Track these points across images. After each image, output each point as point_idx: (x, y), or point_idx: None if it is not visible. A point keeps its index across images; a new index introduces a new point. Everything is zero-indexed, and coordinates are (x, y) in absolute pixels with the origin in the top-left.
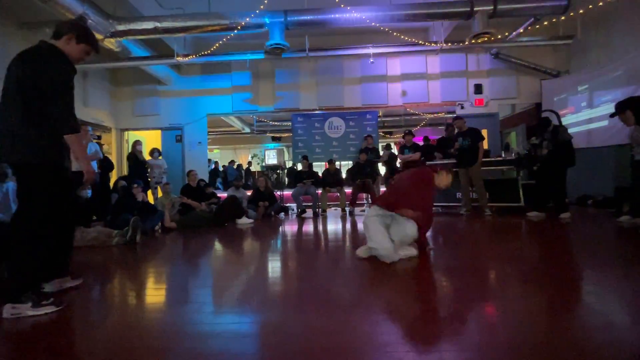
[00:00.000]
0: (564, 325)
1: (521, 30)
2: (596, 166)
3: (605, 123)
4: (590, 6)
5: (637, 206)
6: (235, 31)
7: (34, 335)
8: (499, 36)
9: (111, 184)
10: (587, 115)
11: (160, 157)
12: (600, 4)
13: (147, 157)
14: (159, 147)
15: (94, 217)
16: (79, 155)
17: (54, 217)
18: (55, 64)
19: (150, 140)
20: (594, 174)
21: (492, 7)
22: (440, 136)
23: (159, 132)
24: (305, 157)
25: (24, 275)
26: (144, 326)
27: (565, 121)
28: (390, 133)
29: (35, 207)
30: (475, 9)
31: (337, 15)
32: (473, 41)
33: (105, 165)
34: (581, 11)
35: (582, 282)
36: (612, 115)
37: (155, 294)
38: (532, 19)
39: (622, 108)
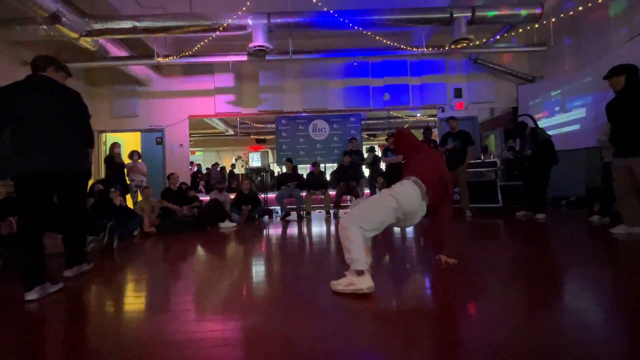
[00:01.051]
0: (541, 324)
1: (498, 37)
2: (569, 168)
3: (577, 127)
4: (562, 15)
5: (605, 206)
6: (217, 32)
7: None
8: (477, 42)
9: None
10: (560, 120)
11: (140, 160)
12: (571, 13)
13: (126, 160)
14: (139, 149)
15: None
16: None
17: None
18: (77, 94)
19: (129, 142)
20: (567, 176)
21: (470, 14)
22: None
23: (138, 134)
24: (289, 160)
25: (83, 246)
26: (119, 336)
27: (540, 125)
28: (374, 135)
29: (85, 200)
30: (454, 15)
31: (320, 19)
32: (453, 46)
33: None
34: (553, 20)
35: (558, 281)
36: (604, 77)
37: (132, 302)
38: (509, 27)
39: (619, 72)
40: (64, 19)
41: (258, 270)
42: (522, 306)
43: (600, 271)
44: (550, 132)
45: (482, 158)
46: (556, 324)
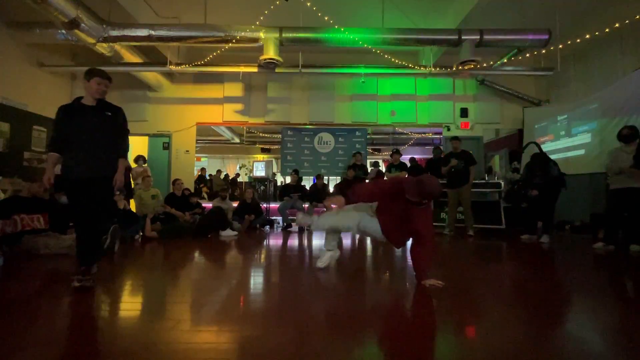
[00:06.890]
0: (541, 350)
1: (505, 60)
2: (574, 192)
3: (582, 152)
4: (569, 42)
5: (610, 233)
6: (230, 44)
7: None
8: (485, 64)
9: None
10: (565, 144)
11: (145, 165)
12: (578, 40)
13: (132, 164)
14: (145, 153)
15: (71, 224)
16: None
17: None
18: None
19: (136, 146)
20: (571, 200)
21: (478, 37)
22: (429, 157)
23: (145, 138)
24: (295, 171)
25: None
26: (113, 343)
27: (544, 148)
28: (379, 150)
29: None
30: (462, 37)
31: (331, 35)
32: (460, 67)
33: None
34: (560, 46)
35: (560, 308)
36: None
37: (128, 308)
38: (516, 50)
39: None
40: (82, 24)
41: (256, 281)
42: (523, 332)
43: (600, 301)
44: (554, 156)
45: (487, 179)
46: (554, 352)
